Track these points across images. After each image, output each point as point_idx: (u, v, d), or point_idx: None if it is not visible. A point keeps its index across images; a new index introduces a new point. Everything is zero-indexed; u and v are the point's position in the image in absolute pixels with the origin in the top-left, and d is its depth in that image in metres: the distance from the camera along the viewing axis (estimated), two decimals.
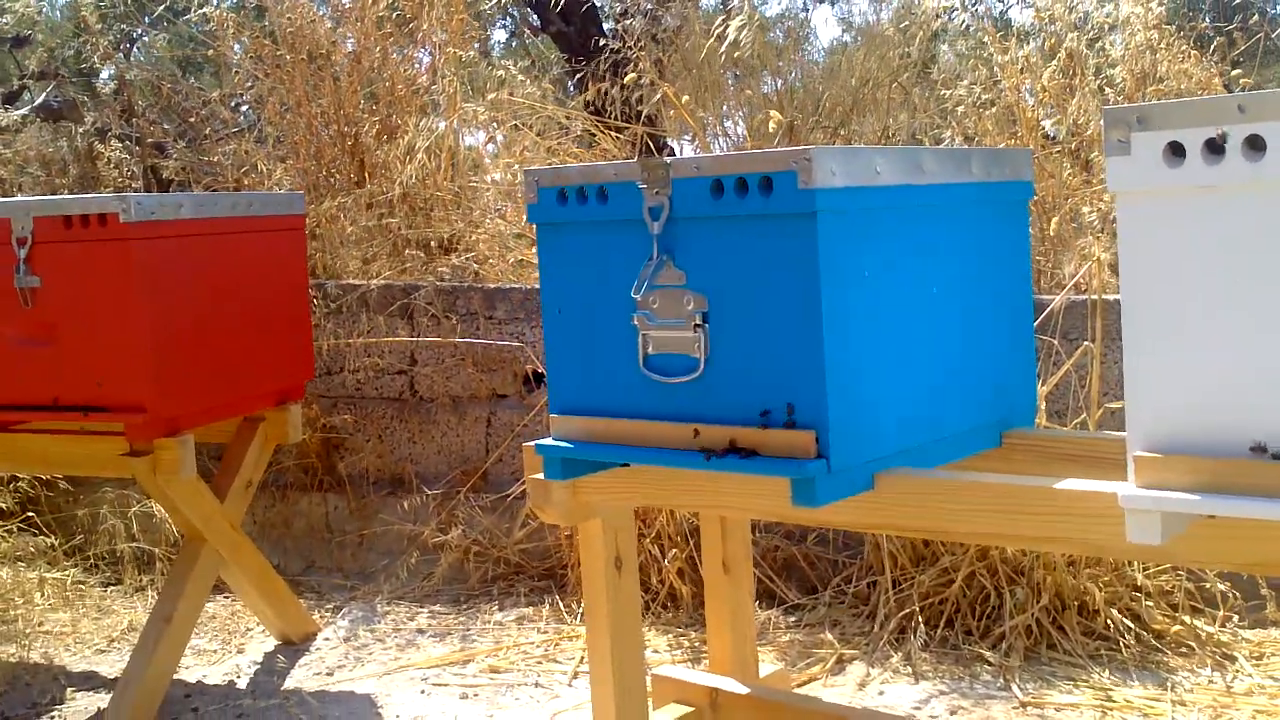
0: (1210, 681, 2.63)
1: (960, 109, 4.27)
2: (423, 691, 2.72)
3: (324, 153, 4.20)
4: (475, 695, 2.69)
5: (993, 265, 1.91)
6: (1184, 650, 2.78)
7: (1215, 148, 1.26)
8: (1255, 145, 1.24)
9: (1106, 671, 2.68)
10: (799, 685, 2.69)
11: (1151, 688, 2.60)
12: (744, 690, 2.28)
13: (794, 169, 1.55)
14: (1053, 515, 1.50)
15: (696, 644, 2.95)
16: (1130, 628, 2.83)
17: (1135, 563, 2.90)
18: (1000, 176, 1.92)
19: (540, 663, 2.87)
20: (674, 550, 3.14)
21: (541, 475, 1.94)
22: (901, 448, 1.71)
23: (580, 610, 3.16)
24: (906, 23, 4.49)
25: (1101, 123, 1.31)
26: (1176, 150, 1.28)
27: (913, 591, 2.98)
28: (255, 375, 2.76)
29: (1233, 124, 1.25)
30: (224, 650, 3.06)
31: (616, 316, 1.74)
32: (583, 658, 2.88)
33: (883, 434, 1.68)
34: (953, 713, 2.54)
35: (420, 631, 3.09)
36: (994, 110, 4.23)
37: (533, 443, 1.99)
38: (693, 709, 2.31)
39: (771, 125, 3.15)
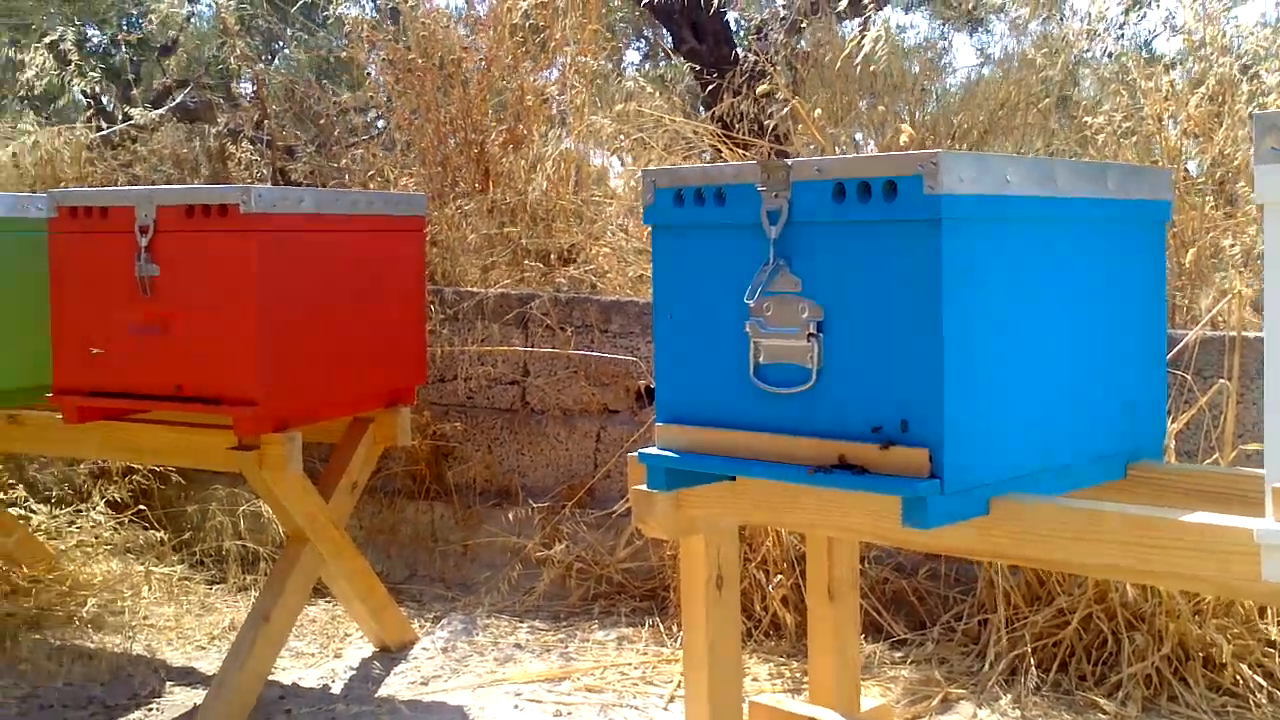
0: None
1: (1100, 137, 4.15)
2: (516, 706, 2.69)
3: (449, 159, 4.24)
4: (569, 714, 2.66)
5: (1126, 287, 1.83)
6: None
7: None
8: None
9: None
10: None
11: None
12: None
13: (920, 173, 1.49)
14: (1182, 550, 1.42)
15: (798, 674, 2.88)
16: (1262, 685, 2.68)
17: (1270, 614, 2.75)
18: (1138, 194, 1.84)
19: (637, 684, 2.83)
20: (779, 576, 3.07)
21: (645, 486, 1.91)
22: (1019, 473, 1.64)
23: (680, 633, 3.11)
24: (1047, 49, 4.39)
25: (1251, 129, 1.23)
26: None
27: (1025, 632, 2.87)
28: (367, 375, 2.77)
29: None
30: (321, 654, 3.07)
31: (728, 323, 1.70)
32: (680, 682, 2.83)
33: (1000, 457, 1.61)
34: None
35: (519, 646, 3.07)
36: (1135, 139, 4.10)
37: (637, 452, 1.96)
38: None
39: (903, 139, 3.09)
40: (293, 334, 2.52)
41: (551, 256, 4.03)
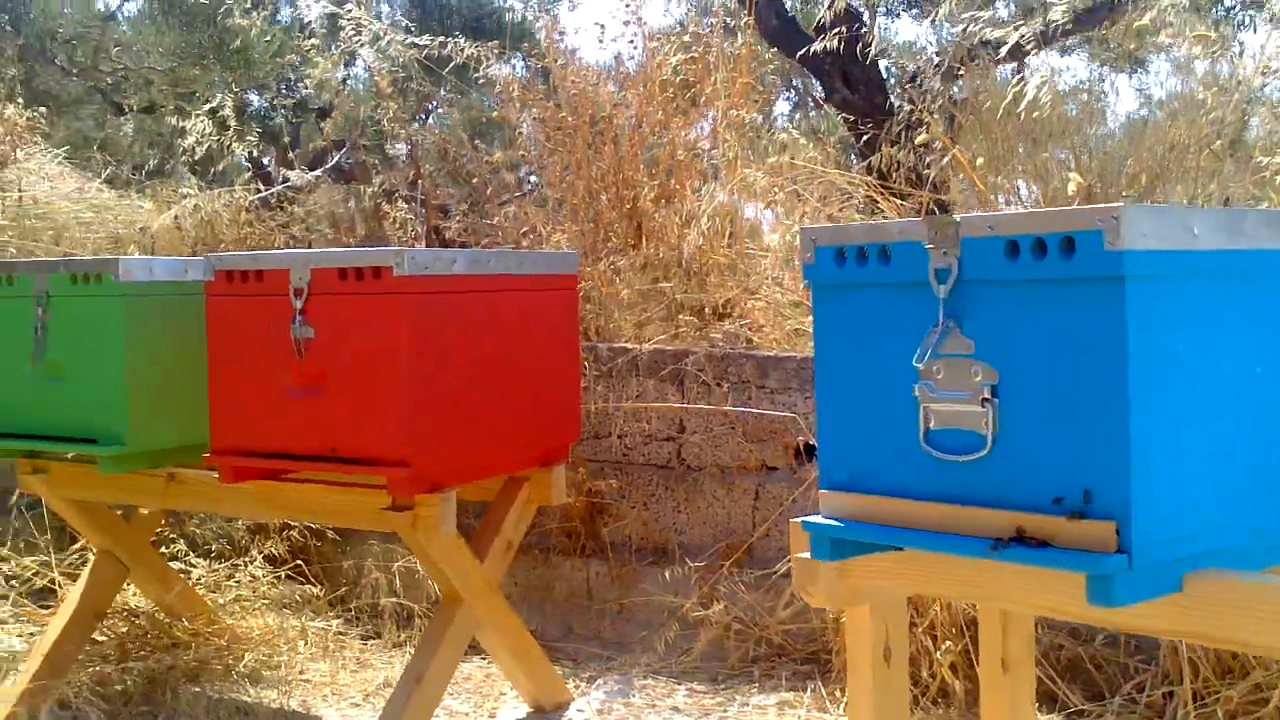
0: None
1: (1279, 178, 3.97)
2: None
3: (602, 216, 4.26)
4: None
5: None
6: None
7: None
8: None
9: None
10: None
11: None
12: None
13: (1100, 229, 1.42)
14: None
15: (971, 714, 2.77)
16: None
17: None
18: None
19: None
20: (948, 642, 2.96)
21: (808, 554, 1.85)
22: (1216, 546, 1.54)
23: (844, 699, 3.03)
24: (1216, 88, 4.22)
25: None
26: None
27: (1217, 708, 2.71)
28: (521, 435, 2.76)
29: None
30: (475, 713, 3.05)
31: (896, 387, 1.64)
32: None
33: (1194, 529, 1.52)
34: None
35: (676, 709, 3.02)
36: None
37: (800, 519, 1.91)
38: None
39: (1071, 188, 2.98)
40: (445, 395, 2.52)
41: (706, 311, 4.00)
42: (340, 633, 3.59)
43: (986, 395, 1.55)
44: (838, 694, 3.05)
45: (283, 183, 4.83)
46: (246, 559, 3.79)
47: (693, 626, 3.33)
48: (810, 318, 4.14)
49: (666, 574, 3.41)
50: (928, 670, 2.97)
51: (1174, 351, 1.47)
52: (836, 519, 1.72)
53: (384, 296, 2.41)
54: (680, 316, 4.00)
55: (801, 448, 3.52)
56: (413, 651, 2.82)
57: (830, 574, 1.83)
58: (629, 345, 3.70)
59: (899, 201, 4.48)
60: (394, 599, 3.54)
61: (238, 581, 3.73)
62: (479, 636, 2.83)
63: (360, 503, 2.59)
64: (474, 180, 4.61)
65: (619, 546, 3.62)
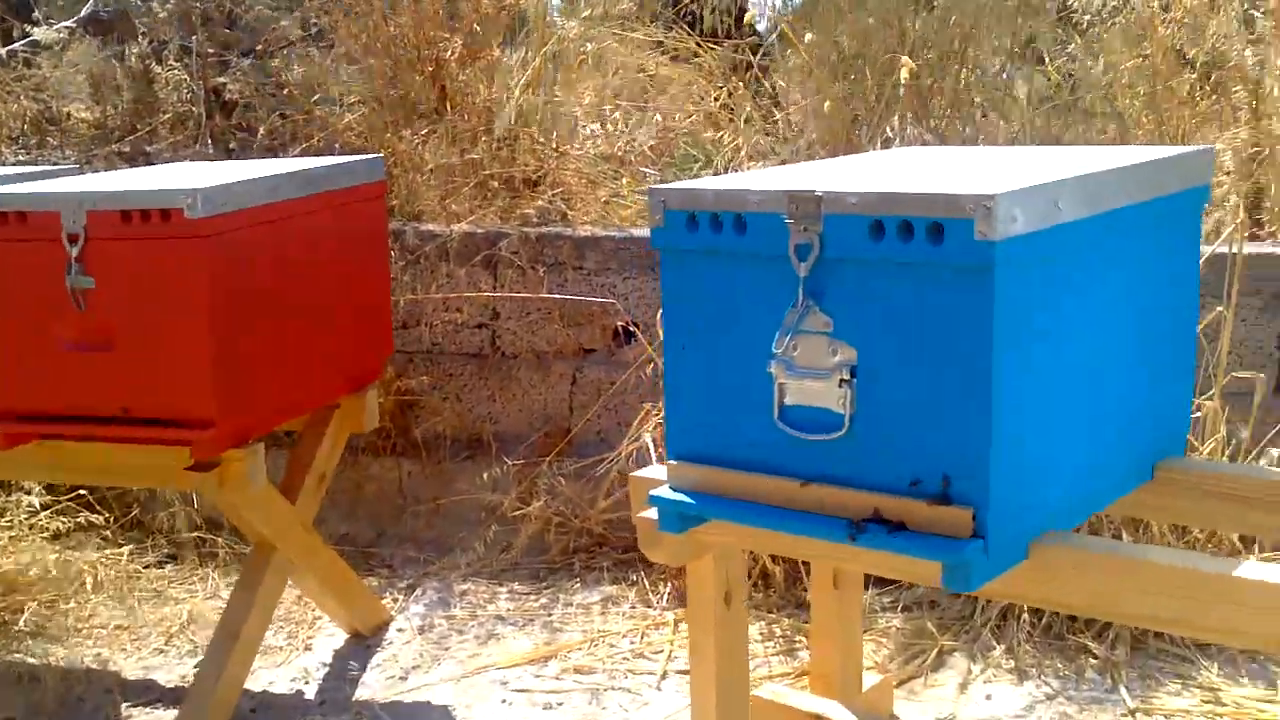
0: None
1: (1087, 19, 4.07)
2: (504, 701, 2.68)
3: (402, 77, 4.08)
4: (560, 705, 2.65)
5: (1163, 283, 1.80)
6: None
7: None
8: None
9: (1215, 666, 2.61)
10: (899, 685, 2.63)
11: (1261, 687, 2.54)
12: (849, 718, 2.23)
13: (972, 216, 1.42)
14: (1247, 609, 1.41)
15: (789, 633, 2.89)
16: None
17: (1254, 543, 2.80)
18: (1179, 186, 1.79)
19: (627, 659, 2.82)
20: None
21: (650, 514, 1.87)
22: (1059, 507, 1.62)
23: (666, 592, 3.12)
24: None
25: None
26: None
27: None
28: (331, 363, 2.66)
29: None
30: (290, 646, 2.99)
31: (750, 361, 1.64)
32: (671, 653, 2.83)
33: (1042, 501, 1.58)
34: None
35: (500, 619, 3.05)
36: (1122, 21, 4.01)
37: (647, 474, 1.91)
38: None
39: (904, 75, 2.99)
40: (249, 342, 2.37)
41: (517, 182, 3.91)
42: (133, 564, 3.40)
43: (845, 376, 1.56)
44: (659, 586, 3.14)
45: (25, 38, 4.44)
46: (18, 488, 3.48)
47: (512, 523, 3.35)
48: (623, 181, 4.11)
49: (485, 473, 3.40)
50: (750, 555, 3.07)
51: (1035, 334, 1.51)
52: (685, 491, 1.73)
53: (176, 241, 2.23)
54: (492, 184, 3.91)
55: (620, 329, 3.53)
56: (218, 578, 2.75)
57: (675, 535, 1.86)
58: (437, 229, 3.60)
59: (713, 47, 4.43)
60: (195, 533, 3.39)
61: (10, 519, 3.42)
62: (293, 579, 2.77)
63: (157, 463, 2.40)
64: (253, 30, 4.35)
65: (432, 443, 3.59)
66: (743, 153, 3.73)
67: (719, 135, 4.14)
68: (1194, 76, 3.86)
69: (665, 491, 1.74)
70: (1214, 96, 3.93)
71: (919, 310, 1.49)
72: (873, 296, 1.53)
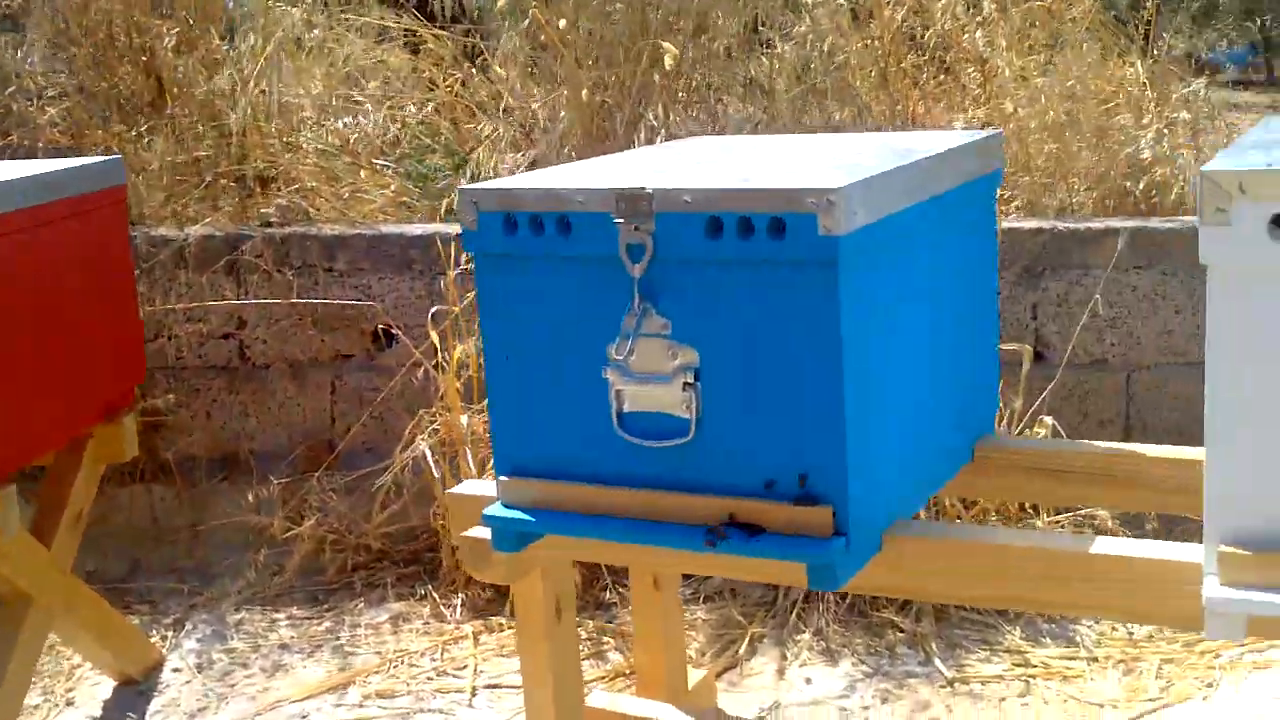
0: (1114, 629, 2.70)
1: (812, 2, 4.16)
2: None
3: (110, 66, 3.81)
4: None
5: (970, 267, 1.84)
6: None
7: None
8: None
9: (1017, 630, 2.72)
10: (717, 677, 2.64)
11: (1063, 645, 2.66)
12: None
13: (814, 211, 1.40)
14: (1101, 582, 1.46)
15: (595, 635, 2.86)
16: None
17: (1039, 508, 2.93)
18: (980, 170, 1.83)
19: (432, 678, 2.73)
20: None
21: (477, 532, 1.80)
22: (902, 495, 1.64)
23: (459, 604, 3.03)
24: None
25: (1198, 188, 1.22)
26: None
27: None
28: (78, 389, 2.44)
29: None
30: (48, 703, 2.73)
31: (582, 368, 1.58)
32: (477, 668, 2.76)
33: (889, 492, 1.59)
34: (884, 700, 2.53)
35: (285, 647, 2.90)
36: (847, 3, 4.13)
37: (467, 490, 1.84)
38: None
39: (668, 61, 2.96)
40: None
41: (249, 180, 3.72)
42: None
43: (689, 380, 1.52)
44: (450, 597, 3.05)
45: None
46: None
47: (283, 545, 3.19)
48: (362, 174, 3.96)
49: (248, 494, 3.23)
50: None
51: (877, 324, 1.51)
52: (520, 508, 1.66)
53: None
54: (221, 183, 3.71)
55: (381, 332, 3.41)
56: None
57: (503, 554, 1.79)
58: (170, 234, 3.38)
59: (437, 35, 4.32)
60: None
61: None
62: (54, 629, 2.55)
63: None
64: None
65: (184, 465, 3.38)
66: (503, 143, 3.65)
67: (458, 125, 4.05)
68: (925, 58, 4.00)
69: (499, 510, 1.66)
70: (942, 78, 4.08)
71: (762, 308, 1.47)
72: (712, 296, 1.50)
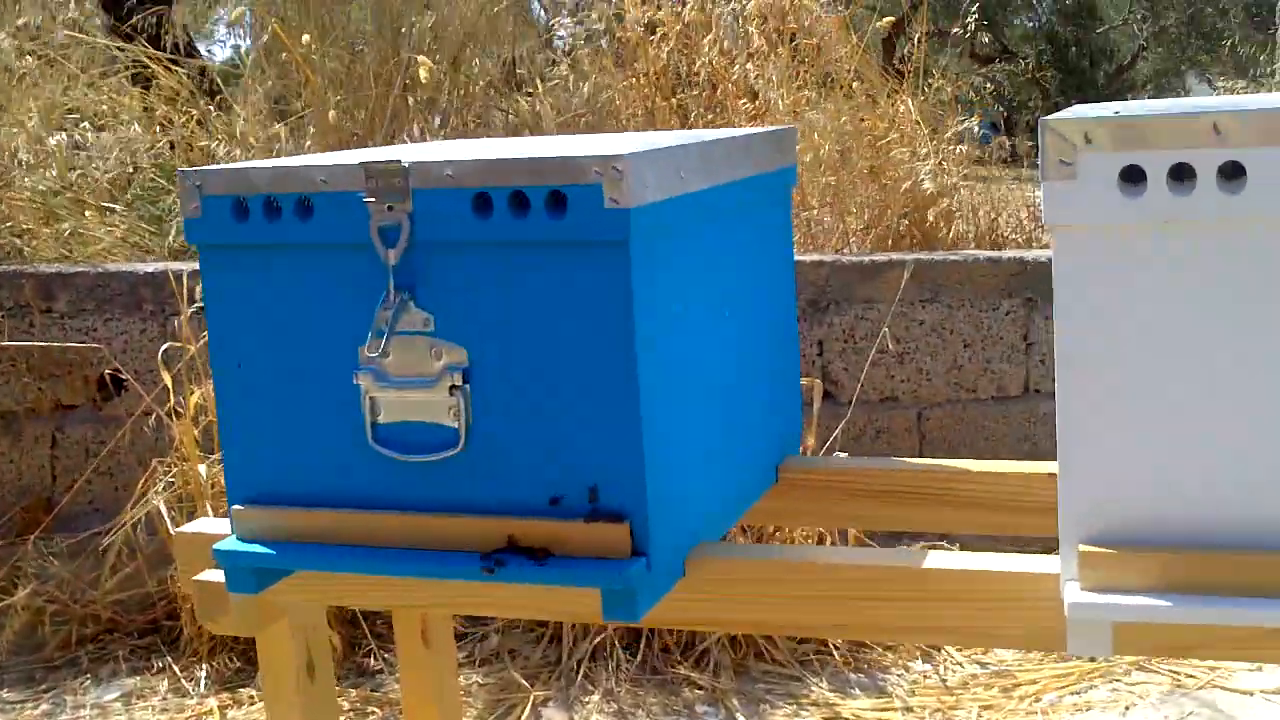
0: (926, 677, 2.56)
1: (571, 42, 4.03)
2: None
3: None
4: None
5: (766, 273, 1.66)
6: (889, 645, 2.69)
7: (1182, 175, 1.04)
8: (1231, 174, 1.03)
9: (823, 680, 2.55)
10: None
11: (874, 695, 2.50)
12: None
13: (599, 181, 1.20)
14: (941, 602, 1.26)
15: (359, 704, 2.57)
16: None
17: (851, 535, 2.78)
18: (778, 163, 1.66)
19: None
20: None
21: (212, 575, 1.51)
22: (705, 517, 1.42)
23: (202, 676, 2.69)
24: None
25: (1040, 139, 1.06)
26: (1134, 176, 1.05)
27: None
28: None
29: (1206, 148, 1.03)
30: None
31: (329, 374, 1.33)
32: None
33: (692, 509, 1.38)
34: None
35: None
36: (607, 44, 4.01)
37: (198, 527, 1.55)
38: None
39: (423, 74, 2.73)
40: None
41: None
42: None
43: (456, 382, 1.29)
44: (193, 669, 2.71)
45: None
46: None
47: None
48: (88, 214, 3.59)
49: None
50: None
51: (672, 316, 1.31)
52: (259, 541, 1.38)
53: None
54: None
55: (108, 379, 3.05)
56: None
57: (243, 598, 1.51)
58: None
59: (169, 69, 3.99)
60: None
61: None
62: None
63: None
64: None
65: None
66: None
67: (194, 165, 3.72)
68: (694, 93, 3.88)
69: (232, 544, 1.38)
70: (711, 116, 3.97)
71: (541, 296, 1.25)
72: (481, 284, 1.27)
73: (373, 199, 1.27)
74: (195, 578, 1.54)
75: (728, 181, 1.46)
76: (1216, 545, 1.08)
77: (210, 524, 1.63)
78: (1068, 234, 1.07)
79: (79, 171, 3.75)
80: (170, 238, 3.40)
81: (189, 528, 1.61)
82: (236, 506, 1.40)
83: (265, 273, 1.34)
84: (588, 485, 1.26)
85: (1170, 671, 2.51)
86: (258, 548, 1.38)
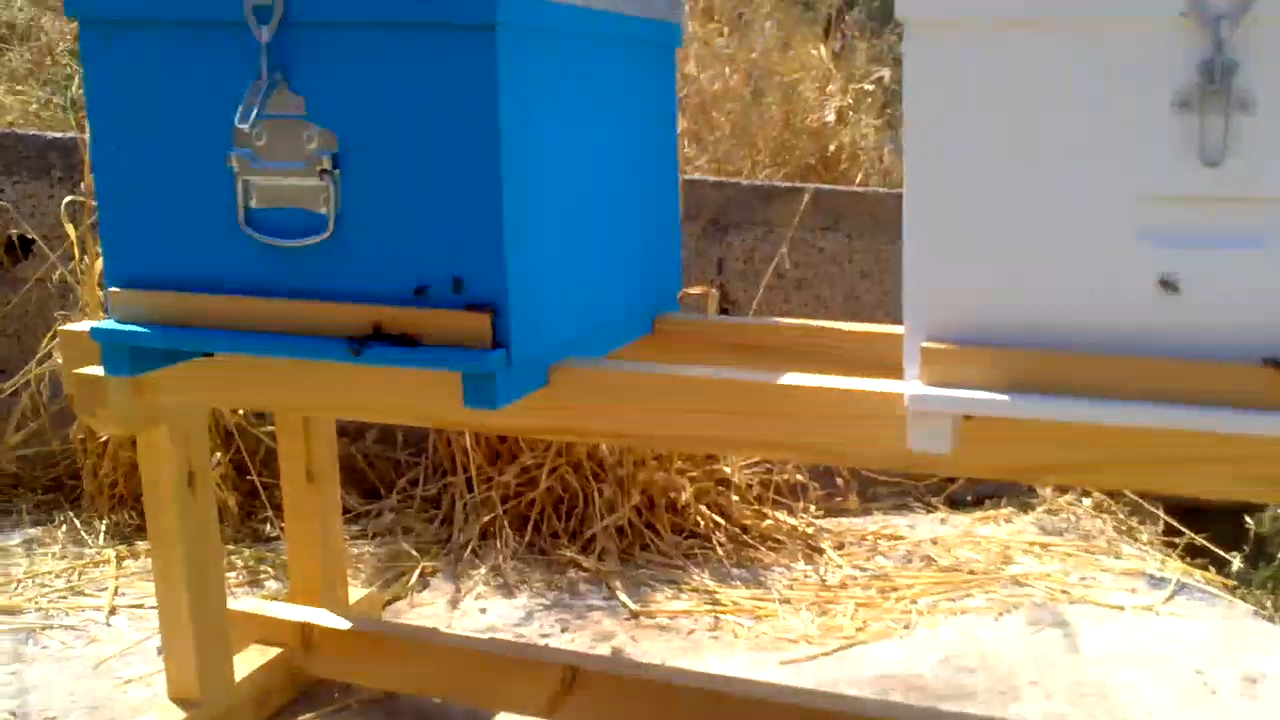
0: (806, 576, 2.58)
1: None
2: None
3: None
4: None
5: (646, 122, 1.65)
6: (772, 544, 2.71)
7: None
8: None
9: (704, 572, 2.56)
10: (384, 606, 2.36)
11: (754, 587, 2.51)
12: (342, 624, 1.93)
13: None
14: (796, 417, 1.26)
15: (251, 564, 2.55)
16: (719, 523, 2.73)
17: (726, 457, 2.79)
18: (660, 14, 1.65)
19: (65, 598, 2.35)
20: (216, 454, 2.69)
21: (92, 369, 1.49)
22: (567, 336, 1.42)
23: (102, 529, 2.65)
24: None
25: None
26: None
27: (493, 494, 2.71)
28: None
29: None
30: None
31: (203, 156, 1.32)
32: (118, 589, 2.40)
33: (557, 317, 1.38)
34: (564, 629, 2.32)
35: None
36: None
37: (86, 325, 1.53)
38: (281, 650, 1.93)
39: None
40: None
41: None
42: None
43: (326, 165, 1.27)
44: (94, 523, 2.68)
45: None
46: None
47: None
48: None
49: None
50: None
51: (538, 116, 1.30)
52: (138, 323, 1.37)
53: None
54: None
55: (15, 241, 2.98)
56: None
57: (123, 392, 1.49)
58: None
59: None
60: None
61: None
62: None
63: None
64: None
65: None
66: None
67: None
68: None
69: (109, 324, 1.37)
70: None
71: (410, 80, 1.24)
72: (354, 67, 1.26)
73: None
74: (75, 370, 1.52)
75: (608, 10, 1.45)
76: (1060, 346, 1.08)
77: (94, 323, 1.61)
78: (918, 27, 1.08)
79: None
80: (78, 117, 3.32)
81: (72, 326, 1.58)
82: (114, 289, 1.38)
83: (142, 51, 1.32)
84: (453, 275, 1.26)
85: (1047, 588, 2.54)
86: (134, 328, 1.36)
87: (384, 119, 1.25)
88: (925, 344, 1.11)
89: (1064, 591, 2.50)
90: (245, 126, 1.26)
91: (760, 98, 3.67)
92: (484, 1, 1.19)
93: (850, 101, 3.75)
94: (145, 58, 1.32)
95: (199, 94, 1.30)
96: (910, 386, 1.12)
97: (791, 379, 1.28)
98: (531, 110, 1.27)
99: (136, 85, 1.33)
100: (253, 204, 1.31)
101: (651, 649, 2.24)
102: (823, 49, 3.93)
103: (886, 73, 4.05)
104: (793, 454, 1.33)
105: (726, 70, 3.69)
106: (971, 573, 2.59)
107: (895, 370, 1.60)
